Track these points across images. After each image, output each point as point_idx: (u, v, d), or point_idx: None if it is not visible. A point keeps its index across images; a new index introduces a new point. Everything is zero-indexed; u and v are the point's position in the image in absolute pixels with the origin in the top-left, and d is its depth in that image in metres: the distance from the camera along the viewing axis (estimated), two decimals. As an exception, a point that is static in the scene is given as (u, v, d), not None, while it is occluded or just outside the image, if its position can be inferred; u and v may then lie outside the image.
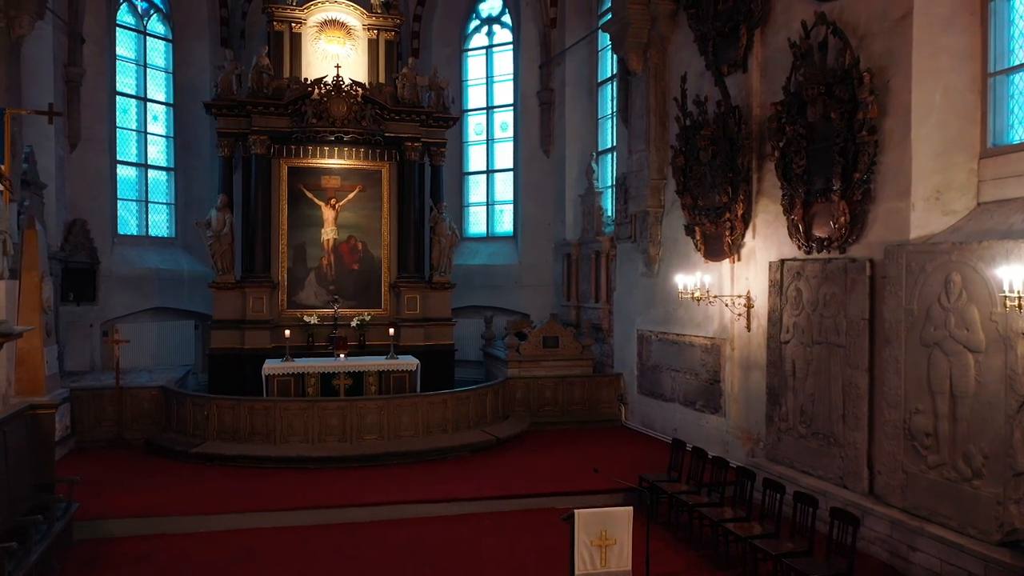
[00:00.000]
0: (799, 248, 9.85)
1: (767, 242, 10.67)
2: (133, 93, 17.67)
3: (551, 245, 18.24)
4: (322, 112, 14.63)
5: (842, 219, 8.98)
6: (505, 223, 19.56)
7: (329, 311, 15.21)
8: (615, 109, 16.06)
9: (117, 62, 17.13)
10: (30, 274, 11.48)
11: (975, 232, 7.68)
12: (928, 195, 8.17)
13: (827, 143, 9.12)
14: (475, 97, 19.89)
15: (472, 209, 19.94)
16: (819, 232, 9.47)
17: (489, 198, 19.73)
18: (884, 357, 8.33)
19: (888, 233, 8.47)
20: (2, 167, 8.72)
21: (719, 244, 11.53)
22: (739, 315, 11.16)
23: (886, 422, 8.27)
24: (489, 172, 19.73)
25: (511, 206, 19.37)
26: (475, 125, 19.89)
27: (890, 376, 8.21)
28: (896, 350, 8.13)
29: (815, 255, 9.58)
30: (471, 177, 19.94)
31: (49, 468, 8.45)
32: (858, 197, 8.79)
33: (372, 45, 15.84)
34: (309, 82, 14.93)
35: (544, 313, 18.01)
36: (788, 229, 10.02)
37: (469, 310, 18.24)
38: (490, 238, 19.58)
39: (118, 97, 17.17)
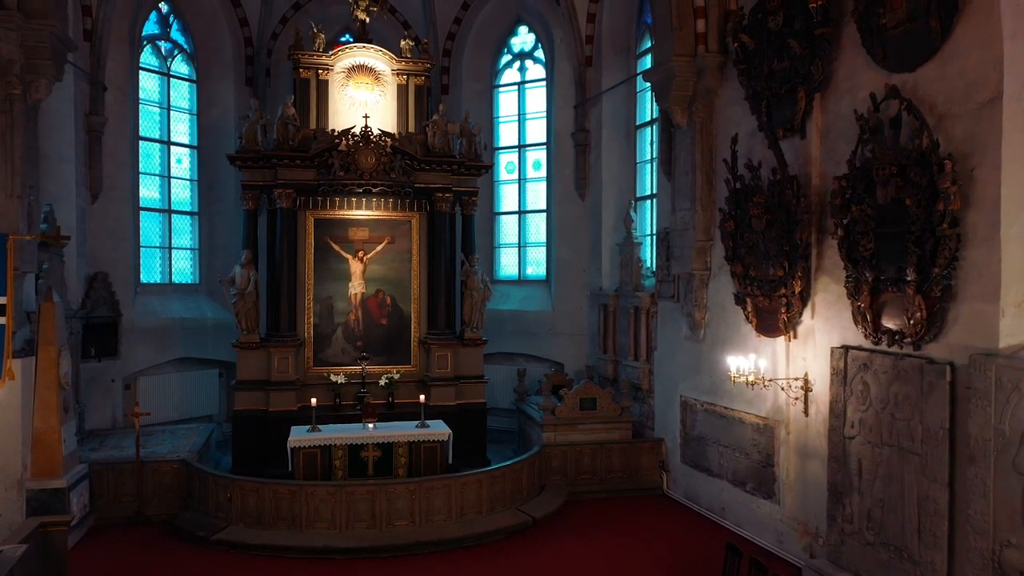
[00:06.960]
0: (865, 337, 9.06)
1: (828, 324, 9.88)
2: (156, 137, 17.18)
3: (586, 292, 17.47)
4: (350, 164, 14.04)
5: (918, 315, 8.18)
6: (537, 266, 18.84)
7: (357, 368, 14.61)
8: (655, 155, 15.29)
9: (140, 106, 16.63)
10: (46, 350, 11.00)
11: (1078, 349, 6.89)
12: (1020, 300, 7.36)
13: (900, 228, 8.32)
14: (507, 134, 19.18)
15: (503, 250, 19.26)
16: (889, 323, 8.69)
17: (521, 239, 19.03)
18: (969, 476, 7.53)
19: (971, 337, 7.68)
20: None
21: (773, 320, 10.75)
22: (796, 399, 10.39)
23: (971, 549, 7.48)
24: (521, 213, 19.03)
25: (543, 248, 18.64)
26: (506, 163, 19.19)
27: (976, 499, 7.42)
28: (983, 471, 7.34)
29: (884, 347, 8.79)
30: (502, 217, 19.25)
31: (61, 589, 7.91)
32: (936, 293, 7.99)
33: (402, 91, 15.20)
34: (336, 133, 14.33)
35: (579, 363, 17.31)
36: (852, 314, 9.24)
37: (500, 356, 17.56)
38: (522, 281, 18.86)
39: (141, 142, 16.67)
